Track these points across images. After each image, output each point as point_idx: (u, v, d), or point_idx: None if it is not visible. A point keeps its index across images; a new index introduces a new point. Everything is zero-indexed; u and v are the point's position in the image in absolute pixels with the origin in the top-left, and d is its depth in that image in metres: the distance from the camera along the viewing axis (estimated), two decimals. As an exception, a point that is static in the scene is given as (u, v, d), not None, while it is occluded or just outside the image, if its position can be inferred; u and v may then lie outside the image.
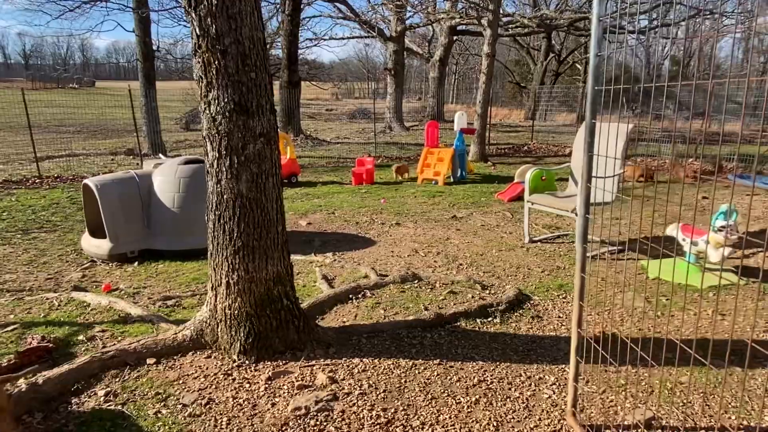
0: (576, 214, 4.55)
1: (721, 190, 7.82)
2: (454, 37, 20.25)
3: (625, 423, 2.30)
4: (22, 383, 2.52)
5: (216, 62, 2.50)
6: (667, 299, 3.70)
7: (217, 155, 2.65)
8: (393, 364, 2.83)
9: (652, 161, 9.15)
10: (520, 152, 13.42)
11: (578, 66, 29.56)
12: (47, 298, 3.76)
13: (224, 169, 2.65)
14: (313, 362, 2.84)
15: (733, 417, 2.35)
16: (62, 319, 3.41)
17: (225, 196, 2.69)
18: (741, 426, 2.30)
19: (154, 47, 12.30)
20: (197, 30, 2.49)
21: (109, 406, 2.45)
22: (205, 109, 2.61)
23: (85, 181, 4.70)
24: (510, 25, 16.59)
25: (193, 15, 2.48)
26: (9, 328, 3.26)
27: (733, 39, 2.08)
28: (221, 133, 2.60)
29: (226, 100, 2.55)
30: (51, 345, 2.94)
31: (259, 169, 2.69)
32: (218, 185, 2.69)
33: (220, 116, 2.58)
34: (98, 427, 2.30)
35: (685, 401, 2.47)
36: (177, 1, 20.91)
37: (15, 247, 5.09)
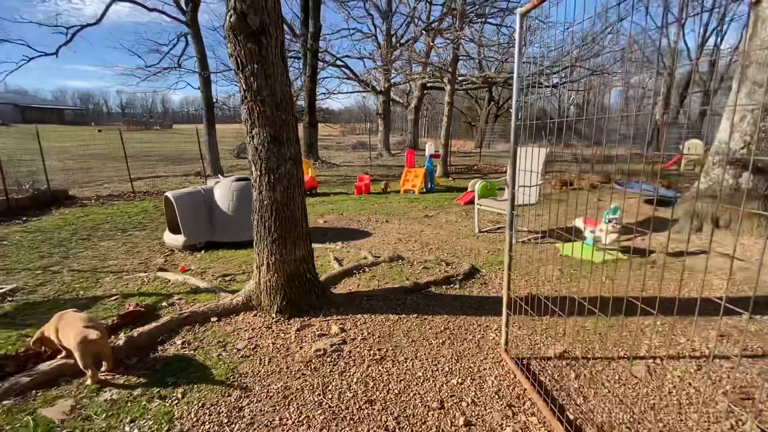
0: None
1: (609, 195, 7.87)
2: (425, 91, 20.24)
3: (545, 355, 2.32)
4: (122, 336, 2.49)
5: (257, 108, 2.49)
6: (574, 270, 3.72)
7: (259, 174, 2.63)
8: (384, 318, 2.82)
9: (565, 176, 9.21)
10: (471, 171, 13.40)
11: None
12: (139, 277, 3.71)
13: (264, 183, 2.64)
14: (329, 318, 2.83)
15: (619, 349, 2.38)
16: (151, 291, 3.37)
17: (265, 202, 2.68)
18: (625, 355, 2.33)
19: (214, 100, 12.17)
20: (243, 86, 2.47)
21: (185, 351, 2.43)
22: (249, 141, 2.59)
23: (166, 193, 4.64)
24: (463, 83, 16.60)
25: (241, 75, 2.46)
26: (112, 298, 3.22)
27: (609, 91, 2.10)
28: (262, 158, 2.59)
29: (264, 134, 2.54)
30: (143, 309, 2.91)
31: (289, 183, 2.68)
32: (260, 195, 2.68)
33: (260, 146, 2.56)
34: (177, 365, 2.28)
35: (587, 339, 2.49)
36: (230, 66, 20.73)
37: (116, 241, 5.01)
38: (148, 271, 3.90)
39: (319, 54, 14.85)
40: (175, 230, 4.70)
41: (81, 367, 2.12)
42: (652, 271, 3.58)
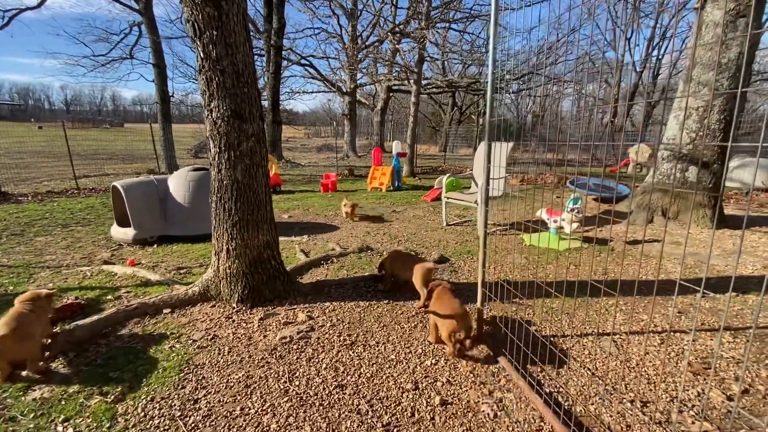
0: (477, 204, 4.61)
1: (566, 192, 8.20)
2: (391, 93, 20.36)
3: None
4: (56, 330, 2.20)
5: (216, 78, 2.31)
6: (539, 257, 3.78)
7: (218, 151, 2.44)
8: (354, 304, 2.71)
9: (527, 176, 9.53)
10: (437, 171, 13.57)
11: (473, 117, 30.53)
12: (81, 271, 3.35)
13: (223, 161, 2.45)
14: (295, 306, 2.67)
15: (586, 327, 2.41)
16: (94, 285, 3.04)
17: (224, 182, 2.49)
18: (591, 332, 2.35)
19: (170, 94, 11.52)
20: (201, 54, 2.29)
21: (132, 344, 2.19)
22: (207, 115, 2.40)
23: (114, 183, 4.27)
24: (428, 86, 16.85)
25: (198, 42, 2.28)
26: (48, 293, 2.87)
27: (561, 98, 2.12)
28: (221, 133, 2.40)
29: (224, 108, 2.36)
30: (83, 302, 2.61)
31: (251, 161, 2.51)
32: (219, 174, 2.49)
33: (220, 120, 2.38)
34: (123, 359, 2.04)
35: (556, 319, 2.50)
36: (188, 63, 19.75)
37: (54, 236, 4.54)
38: (92, 265, 3.54)
39: (284, 52, 14.52)
40: (124, 223, 4.32)
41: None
42: (611, 257, 3.70)
